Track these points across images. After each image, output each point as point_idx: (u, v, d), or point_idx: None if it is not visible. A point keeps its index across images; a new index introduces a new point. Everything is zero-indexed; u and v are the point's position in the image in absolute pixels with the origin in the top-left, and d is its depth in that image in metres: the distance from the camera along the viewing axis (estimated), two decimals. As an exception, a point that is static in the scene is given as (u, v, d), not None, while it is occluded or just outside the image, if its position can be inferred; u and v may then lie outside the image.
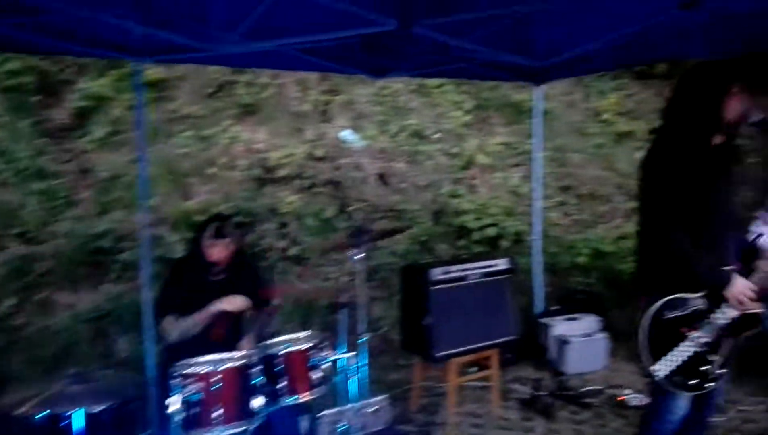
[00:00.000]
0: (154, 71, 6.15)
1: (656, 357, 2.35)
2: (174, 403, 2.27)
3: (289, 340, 2.61)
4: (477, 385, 4.27)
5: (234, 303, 2.93)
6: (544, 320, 4.86)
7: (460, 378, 3.83)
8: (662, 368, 2.35)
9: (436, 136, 6.78)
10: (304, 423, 2.89)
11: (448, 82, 7.26)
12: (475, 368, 4.12)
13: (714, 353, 2.40)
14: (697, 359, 2.37)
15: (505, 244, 6.00)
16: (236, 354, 2.51)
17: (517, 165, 7.06)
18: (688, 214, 2.33)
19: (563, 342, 4.64)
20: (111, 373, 4.12)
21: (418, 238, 5.70)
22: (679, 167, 2.33)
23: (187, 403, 2.29)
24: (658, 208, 2.35)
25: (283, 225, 5.25)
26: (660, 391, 2.45)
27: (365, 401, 3.01)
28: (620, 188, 6.97)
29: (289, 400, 2.50)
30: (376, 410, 3.51)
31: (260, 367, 2.45)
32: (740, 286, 2.30)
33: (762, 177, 7.21)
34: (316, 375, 2.56)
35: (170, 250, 4.75)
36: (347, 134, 5.92)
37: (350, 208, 5.64)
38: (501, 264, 3.90)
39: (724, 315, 2.36)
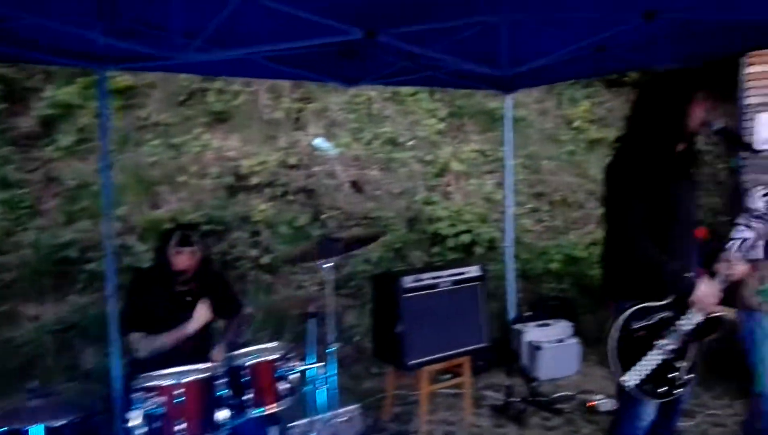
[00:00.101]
0: (123, 79, 6.08)
1: (625, 367, 2.36)
2: (135, 418, 2.21)
3: (256, 351, 2.57)
4: (450, 392, 4.26)
5: (200, 319, 2.87)
6: (516, 326, 4.88)
7: (432, 386, 3.82)
8: (632, 378, 2.36)
9: (410, 143, 6.80)
10: (273, 434, 2.85)
11: (422, 90, 7.30)
12: (449, 376, 4.12)
13: (681, 359, 2.42)
14: (665, 367, 2.39)
15: (479, 250, 6.03)
16: (201, 366, 2.46)
17: (491, 172, 7.11)
18: (652, 220, 2.35)
19: (535, 348, 4.66)
20: (74, 386, 4.06)
21: (392, 246, 5.69)
22: (643, 174, 2.35)
23: (148, 418, 2.23)
24: (623, 215, 2.36)
25: (255, 233, 5.20)
26: (628, 397, 2.46)
27: (335, 411, 2.97)
28: (592, 195, 7.06)
29: (256, 412, 2.46)
30: (348, 420, 3.48)
31: (225, 379, 2.41)
32: (705, 290, 2.33)
33: (730, 183, 7.40)
34: (283, 386, 2.52)
35: (139, 260, 4.67)
36: (320, 142, 5.92)
37: (324, 216, 5.61)
38: (472, 271, 3.90)
39: (689, 321, 2.38)
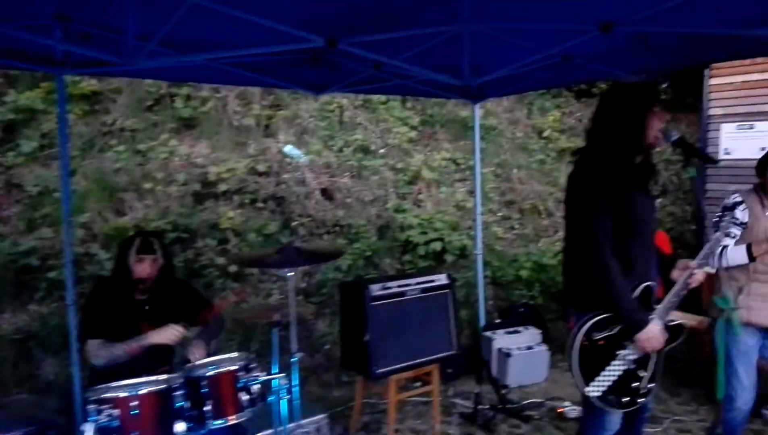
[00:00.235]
0: (88, 84, 5.96)
1: (588, 378, 2.37)
2: (87, 431, 2.14)
3: (216, 362, 2.51)
4: (419, 400, 4.25)
5: (166, 336, 2.81)
6: (486, 333, 4.89)
7: (400, 394, 3.80)
8: (595, 389, 2.37)
9: (382, 151, 6.80)
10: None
11: (393, 98, 7.32)
12: (419, 383, 4.10)
13: (643, 368, 2.44)
14: (627, 376, 2.40)
15: (450, 258, 6.04)
16: (158, 377, 2.39)
17: (462, 180, 7.15)
18: (613, 232, 2.37)
19: (505, 355, 4.68)
20: (30, 397, 3.93)
21: (363, 254, 5.67)
22: (604, 187, 2.37)
23: (102, 431, 2.16)
24: (588, 230, 2.36)
25: (223, 241, 5.12)
26: (592, 407, 2.47)
27: (299, 422, 2.93)
28: (561, 203, 7.11)
29: (215, 424, 2.40)
30: (315, 430, 3.43)
31: (184, 390, 2.35)
32: (651, 334, 2.35)
33: (694, 191, 7.56)
34: (244, 397, 2.47)
35: (102, 269, 4.56)
36: (290, 149, 5.88)
37: (294, 224, 5.57)
38: (440, 279, 3.89)
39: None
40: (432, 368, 3.82)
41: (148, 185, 5.31)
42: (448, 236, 6.07)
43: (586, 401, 2.50)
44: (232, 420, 2.44)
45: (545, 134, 8.36)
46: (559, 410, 4.16)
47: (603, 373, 2.38)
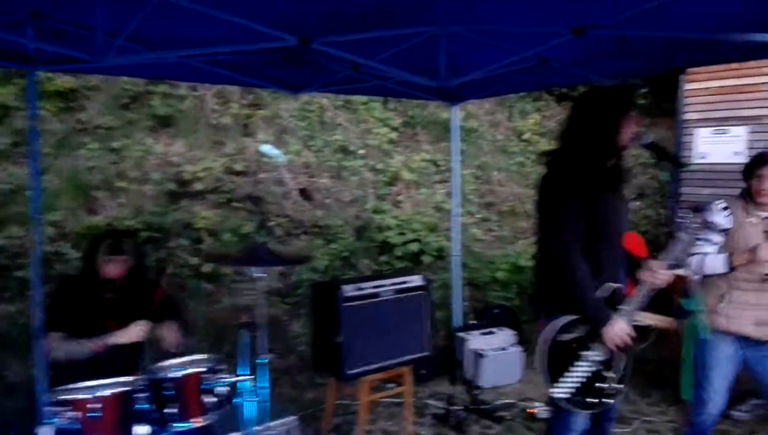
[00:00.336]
0: (64, 81, 5.88)
1: (555, 379, 2.38)
2: (45, 434, 2.10)
3: (181, 364, 2.48)
4: (393, 401, 4.24)
5: (131, 335, 2.77)
6: (461, 334, 4.90)
7: (372, 395, 3.78)
8: (562, 390, 2.38)
9: (362, 151, 6.80)
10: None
11: (375, 99, 7.32)
12: (393, 385, 4.09)
13: (609, 369, 2.45)
14: (594, 377, 2.41)
15: (427, 259, 6.05)
16: (121, 379, 2.35)
17: (442, 181, 7.17)
18: (583, 234, 2.38)
19: (479, 356, 4.69)
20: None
21: (340, 254, 5.66)
22: (575, 188, 2.37)
23: (61, 433, 2.12)
24: (555, 230, 2.37)
25: (198, 241, 5.07)
26: (559, 407, 2.48)
27: (266, 425, 2.89)
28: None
29: (179, 426, 2.37)
30: (285, 432, 3.40)
31: (147, 392, 2.31)
32: (617, 330, 2.36)
33: (670, 194, 7.66)
34: (209, 399, 2.44)
35: (71, 268, 4.49)
36: (268, 149, 5.83)
37: (270, 224, 5.53)
38: (415, 280, 3.88)
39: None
40: (405, 370, 3.81)
41: (121, 184, 5.25)
42: (425, 237, 6.08)
43: (553, 402, 2.51)
44: (197, 423, 2.41)
45: (525, 137, 8.42)
46: (530, 411, 4.17)
47: (569, 374, 2.39)
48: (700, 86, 6.61)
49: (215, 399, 2.46)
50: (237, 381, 2.61)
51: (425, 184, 7.00)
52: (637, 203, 7.96)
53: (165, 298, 2.99)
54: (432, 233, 6.20)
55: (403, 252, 5.92)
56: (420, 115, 7.77)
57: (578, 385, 2.40)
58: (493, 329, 4.96)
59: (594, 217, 2.38)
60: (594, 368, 2.41)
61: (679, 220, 2.53)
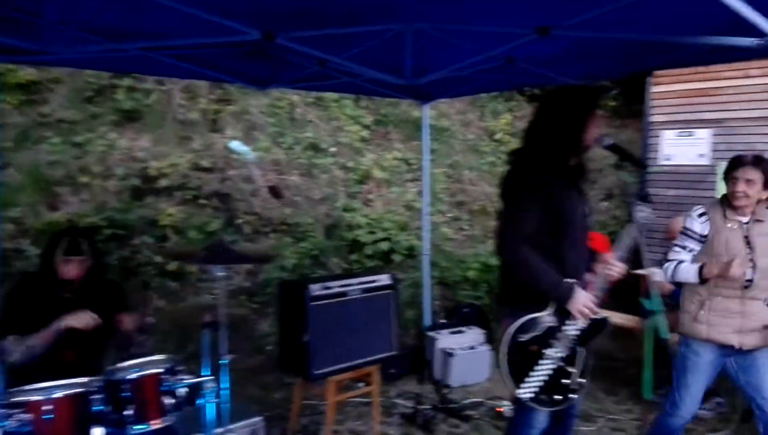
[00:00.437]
0: (26, 73, 5.70)
1: (519, 380, 2.38)
2: (-7, 438, 2.02)
3: (139, 365, 2.41)
4: (361, 401, 4.21)
5: (81, 320, 2.68)
6: (430, 334, 4.90)
7: (340, 395, 3.75)
8: (527, 391, 2.39)
9: (333, 149, 6.75)
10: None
11: (347, 96, 7.28)
12: (362, 384, 4.07)
13: (571, 365, 2.47)
14: (557, 374, 2.43)
15: (398, 258, 6.04)
16: (76, 380, 2.28)
17: (413, 180, 7.16)
18: (545, 232, 2.39)
19: (448, 355, 4.70)
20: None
21: (309, 253, 5.60)
22: (537, 184, 2.39)
23: (11, 437, 2.04)
24: (509, 226, 2.39)
25: (163, 238, 4.97)
26: (521, 404, 2.49)
27: (227, 426, 2.85)
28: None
29: (137, 429, 2.30)
30: (250, 432, 3.35)
31: (103, 394, 2.24)
32: (581, 299, 2.38)
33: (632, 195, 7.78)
34: (168, 401, 2.38)
35: (31, 265, 4.35)
36: (236, 145, 5.76)
37: (238, 221, 5.45)
38: (383, 280, 3.86)
39: (575, 326, 2.43)
40: (372, 369, 3.79)
41: (84, 179, 5.11)
42: (396, 236, 6.07)
43: (515, 399, 2.52)
44: (156, 424, 2.35)
45: (497, 137, 8.48)
46: (498, 409, 4.19)
47: (533, 374, 2.40)
48: (666, 89, 6.73)
49: (174, 400, 2.40)
50: (198, 382, 2.56)
51: (396, 182, 6.98)
52: (606, 204, 8.08)
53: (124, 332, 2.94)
54: (403, 232, 6.19)
55: (373, 251, 5.90)
56: (392, 113, 7.76)
57: (542, 383, 2.41)
58: (463, 328, 4.98)
59: (556, 215, 2.39)
60: (557, 365, 2.42)
61: (630, 213, 2.53)
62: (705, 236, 2.88)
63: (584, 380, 2.51)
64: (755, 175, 2.76)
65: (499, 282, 2.64)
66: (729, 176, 2.85)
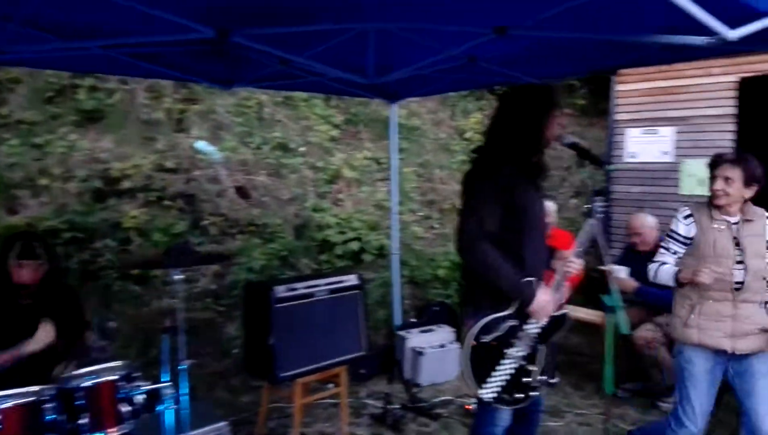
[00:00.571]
0: (-18, 71, 5.54)
1: (481, 381, 2.39)
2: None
3: (94, 372, 2.35)
4: (331, 402, 4.19)
5: (40, 341, 2.62)
6: (401, 333, 4.90)
7: (307, 398, 3.72)
8: (489, 391, 2.39)
9: (302, 149, 6.70)
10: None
11: (316, 95, 7.22)
12: (332, 385, 4.04)
13: (532, 363, 2.48)
14: (518, 373, 2.44)
15: (368, 258, 6.02)
16: (27, 389, 2.21)
17: (384, 179, 7.15)
18: (507, 228, 2.39)
19: (418, 353, 4.70)
20: None
21: (278, 253, 5.55)
22: (497, 182, 2.39)
23: (-43, 451, 1.97)
24: (469, 222, 2.38)
25: (125, 241, 4.87)
26: (484, 403, 2.49)
27: (193, 431, 2.80)
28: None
29: (93, 438, 2.25)
30: (216, 438, 3.29)
31: (56, 402, 2.18)
32: (540, 298, 2.40)
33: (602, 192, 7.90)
34: (125, 408, 2.33)
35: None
36: (202, 145, 5.67)
37: (204, 223, 5.37)
38: (350, 280, 3.84)
39: (536, 324, 2.45)
40: (340, 370, 3.77)
41: (44, 181, 4.97)
42: (366, 236, 6.05)
43: (479, 399, 2.52)
44: (112, 432, 2.30)
45: (467, 135, 8.51)
46: (467, 407, 4.21)
47: (495, 374, 2.41)
48: (630, 87, 6.83)
49: (132, 407, 2.35)
50: (156, 388, 2.51)
51: (367, 182, 6.96)
52: (574, 201, 8.18)
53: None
54: (373, 232, 6.17)
55: (343, 251, 5.87)
56: (362, 112, 7.73)
57: (504, 383, 2.42)
58: (433, 327, 4.98)
59: (517, 212, 2.40)
60: (518, 364, 2.44)
61: (588, 206, 2.54)
62: (691, 238, 2.82)
63: (545, 377, 2.53)
64: (733, 172, 2.70)
65: (461, 280, 2.64)
66: (710, 176, 2.78)
